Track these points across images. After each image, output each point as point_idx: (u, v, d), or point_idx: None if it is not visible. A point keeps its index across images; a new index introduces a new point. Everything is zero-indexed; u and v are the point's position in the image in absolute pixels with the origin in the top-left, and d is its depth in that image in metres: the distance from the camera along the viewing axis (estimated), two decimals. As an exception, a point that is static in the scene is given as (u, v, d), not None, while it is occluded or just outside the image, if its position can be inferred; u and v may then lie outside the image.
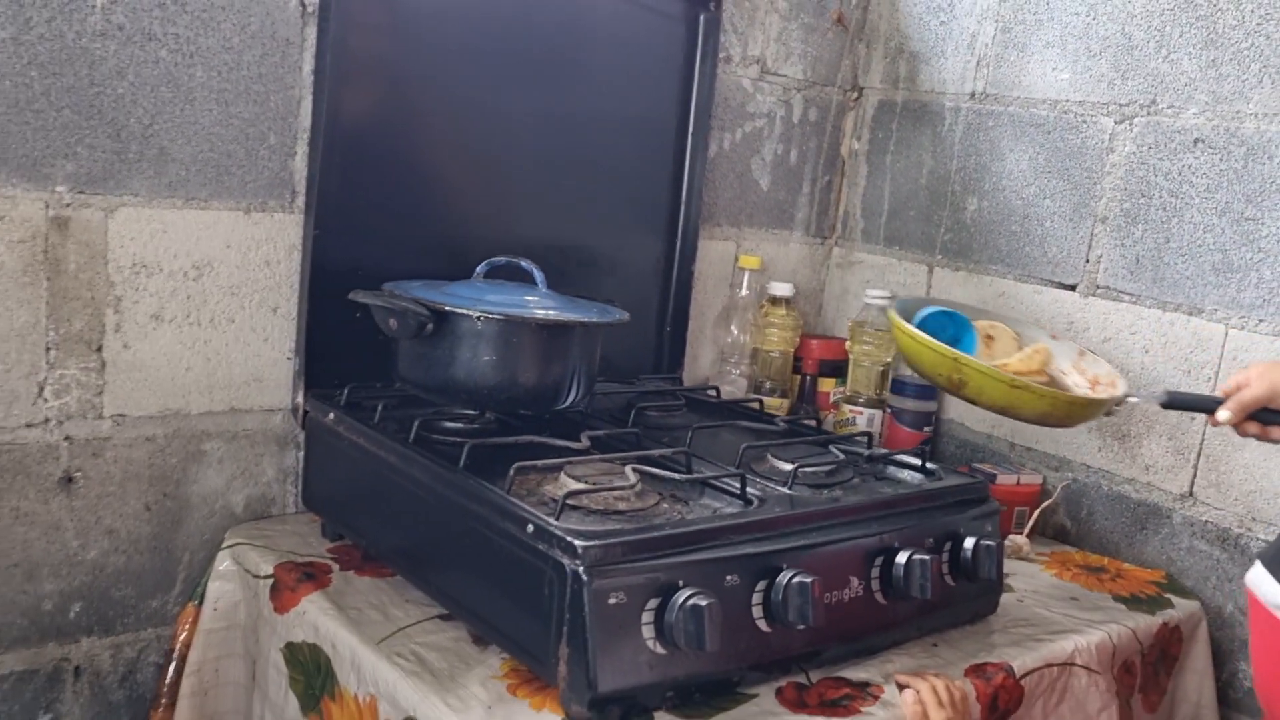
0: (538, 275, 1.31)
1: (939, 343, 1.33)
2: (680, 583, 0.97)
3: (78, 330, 1.21)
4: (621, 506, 1.08)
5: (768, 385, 1.79)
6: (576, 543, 0.94)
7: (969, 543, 1.19)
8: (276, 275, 1.34)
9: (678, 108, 1.67)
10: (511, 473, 1.06)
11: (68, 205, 1.18)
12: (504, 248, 1.39)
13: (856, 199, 1.91)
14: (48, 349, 1.19)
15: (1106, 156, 1.57)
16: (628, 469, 1.11)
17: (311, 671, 1.13)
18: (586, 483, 1.10)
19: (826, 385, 1.84)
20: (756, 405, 1.56)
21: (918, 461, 1.30)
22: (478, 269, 1.34)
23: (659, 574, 0.96)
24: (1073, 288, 1.61)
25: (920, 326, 1.37)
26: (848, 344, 1.81)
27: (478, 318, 1.20)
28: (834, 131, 1.89)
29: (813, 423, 1.48)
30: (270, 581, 1.22)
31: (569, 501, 1.02)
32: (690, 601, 0.94)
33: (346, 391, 1.32)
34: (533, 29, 1.48)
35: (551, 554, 0.96)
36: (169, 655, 1.29)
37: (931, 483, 1.27)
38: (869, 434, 1.41)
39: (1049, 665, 1.18)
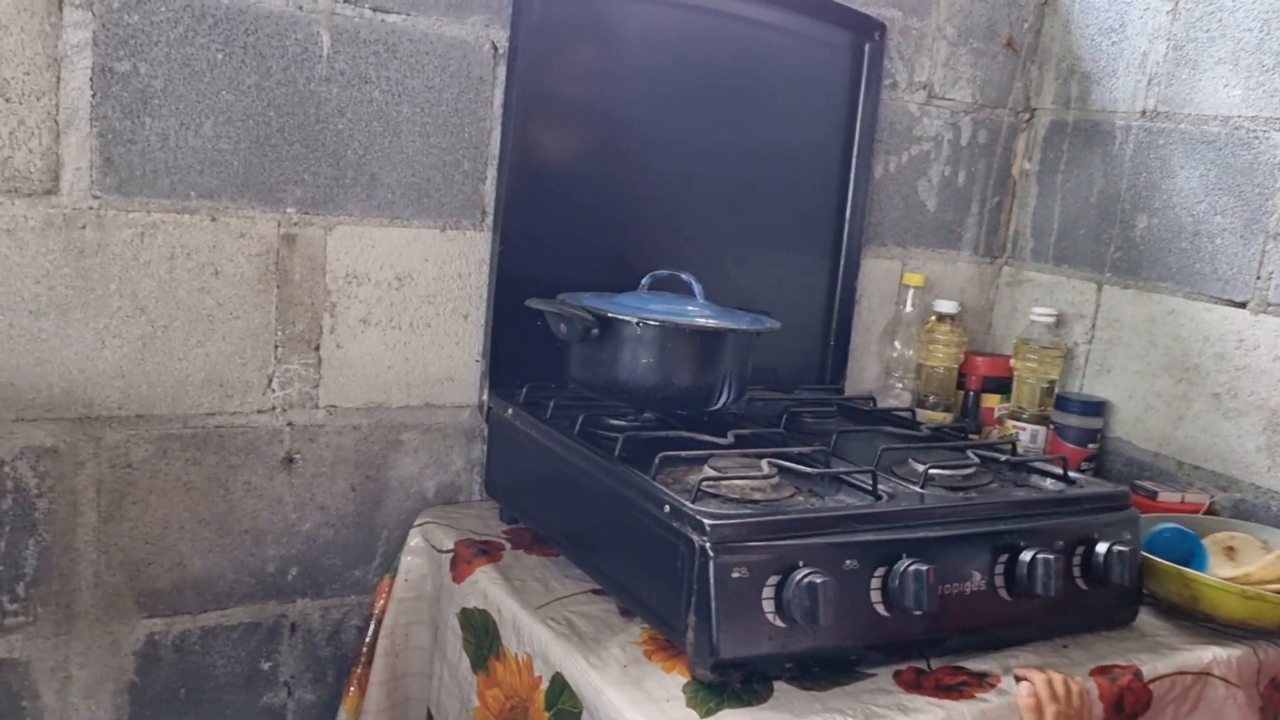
0: (696, 287, 1.43)
1: (1166, 561, 1.30)
2: (800, 562, 1.06)
3: (300, 331, 1.41)
4: (756, 496, 1.17)
5: (931, 399, 1.84)
6: (706, 522, 1.05)
7: (1102, 547, 1.22)
8: (467, 286, 1.51)
9: (843, 133, 1.75)
10: (657, 461, 1.18)
11: (295, 224, 1.39)
12: (671, 264, 1.51)
13: (1026, 218, 1.93)
14: (276, 346, 1.40)
15: (1279, 172, 1.55)
16: (763, 462, 1.21)
17: (481, 634, 1.28)
18: (726, 473, 1.20)
19: (990, 401, 1.87)
20: (908, 414, 1.62)
21: (1059, 469, 1.34)
22: (642, 281, 1.47)
23: (780, 553, 1.06)
24: (1243, 305, 1.59)
25: (1149, 545, 1.34)
26: (1013, 360, 1.84)
27: (637, 323, 1.32)
28: (1004, 153, 1.92)
29: (959, 430, 1.53)
30: (451, 555, 1.38)
31: (705, 488, 1.13)
32: (806, 579, 1.03)
33: (525, 390, 1.48)
34: (706, 63, 1.61)
35: (684, 531, 1.07)
36: (368, 619, 1.47)
37: (1070, 490, 1.30)
38: (1013, 440, 1.45)
39: (1182, 673, 1.20)
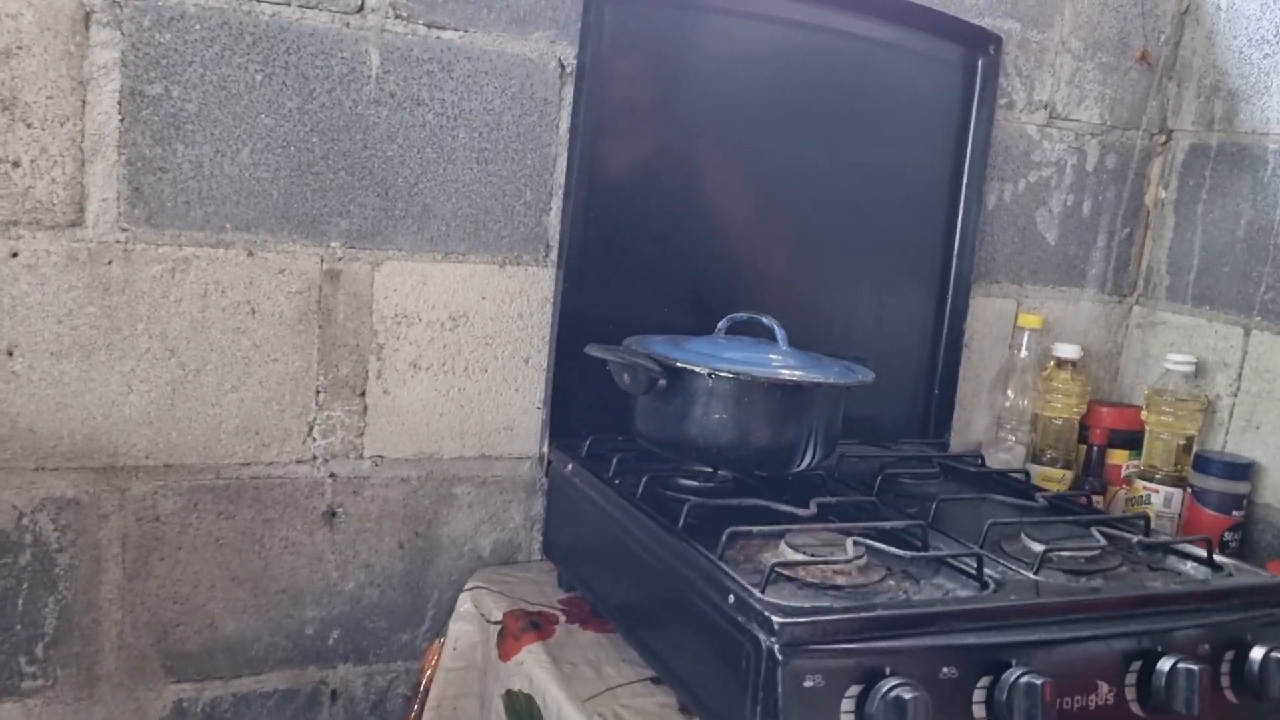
0: (779, 332, 1.27)
1: None
2: (887, 670, 0.89)
3: (344, 375, 1.30)
4: (840, 581, 1.01)
5: (1048, 455, 1.64)
6: (774, 618, 0.89)
7: (1257, 653, 1.02)
8: (529, 327, 1.38)
9: (951, 158, 1.58)
10: (724, 538, 1.03)
11: (340, 259, 1.27)
12: (755, 303, 1.36)
13: (1162, 253, 1.72)
14: (317, 392, 1.29)
15: None
16: (849, 541, 1.04)
17: (526, 721, 1.14)
18: (805, 553, 1.04)
19: (1118, 458, 1.66)
20: (1021, 476, 1.43)
21: (1203, 552, 1.14)
22: (719, 325, 1.32)
23: (863, 659, 0.89)
24: None
25: None
26: (1144, 413, 1.63)
27: (709, 375, 1.17)
28: (1136, 179, 1.72)
29: (1082, 500, 1.34)
30: (499, 628, 1.24)
31: (779, 571, 0.97)
32: (894, 693, 0.87)
33: (588, 443, 1.34)
34: (797, 82, 1.45)
35: (749, 628, 0.91)
36: (416, 688, 1.34)
37: (1217, 579, 1.10)
38: (1145, 516, 1.25)
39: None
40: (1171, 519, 1.58)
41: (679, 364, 1.18)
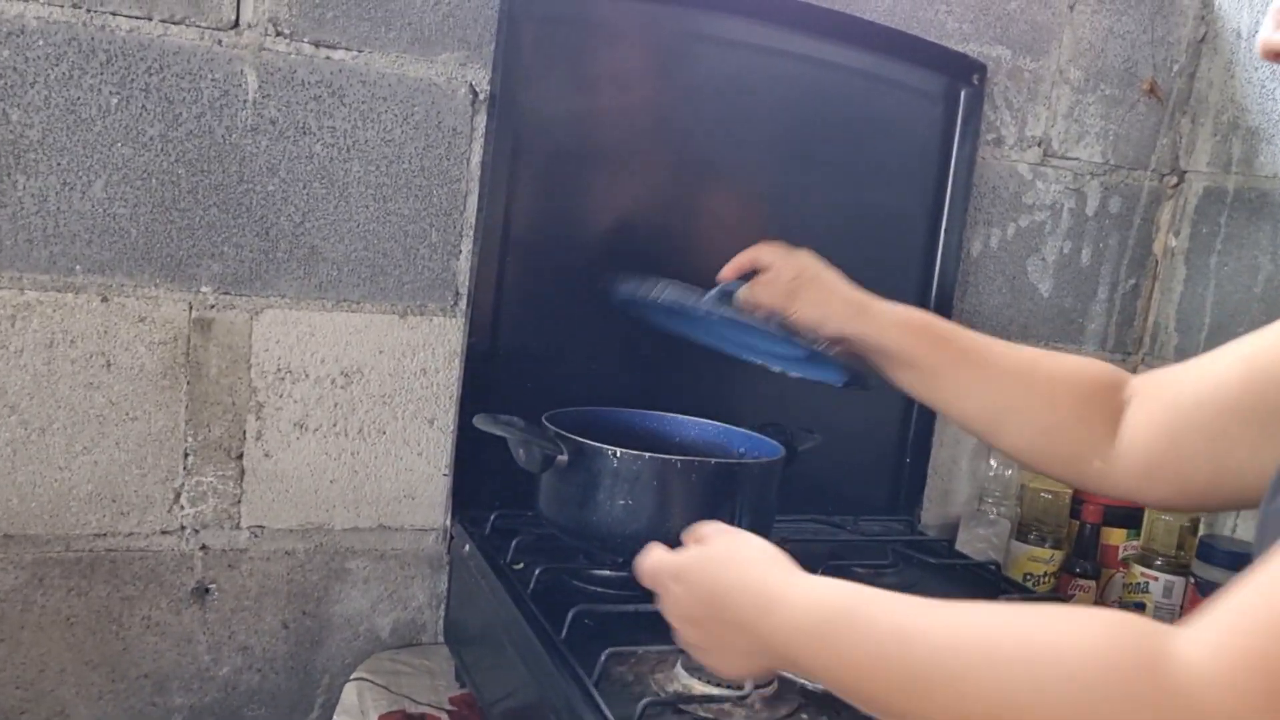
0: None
1: None
2: None
3: (217, 437, 1.15)
4: (740, 716, 0.84)
5: (1034, 533, 1.46)
6: (635, 780, 0.73)
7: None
8: (434, 384, 1.23)
9: (931, 199, 1.40)
10: (603, 658, 0.86)
11: (212, 306, 1.13)
12: (695, 366, 1.20)
13: (1170, 308, 1.54)
14: (185, 455, 1.14)
15: None
16: (751, 670, 0.87)
17: None
18: (703, 678, 0.87)
19: (1114, 538, 1.48)
20: (994, 567, 1.25)
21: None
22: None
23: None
24: None
25: None
26: (1147, 490, 1.45)
27: (613, 455, 1.01)
28: (1144, 225, 1.54)
29: (1071, 594, 1.15)
30: (371, 734, 1.09)
31: (649, 714, 0.81)
32: None
33: (493, 518, 1.18)
34: (752, 111, 1.29)
35: (610, 785, 0.75)
36: (299, 786, 1.19)
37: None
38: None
39: None
40: (1171, 611, 1.40)
41: (576, 439, 1.02)
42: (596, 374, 1.26)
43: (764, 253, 1.02)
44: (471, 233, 1.21)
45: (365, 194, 1.16)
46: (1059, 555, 1.46)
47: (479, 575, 1.10)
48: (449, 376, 1.23)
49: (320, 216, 1.15)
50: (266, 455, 1.17)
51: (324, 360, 1.18)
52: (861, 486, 1.42)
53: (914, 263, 1.41)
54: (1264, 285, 1.40)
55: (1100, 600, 1.46)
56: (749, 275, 1.03)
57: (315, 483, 1.20)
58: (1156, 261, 1.55)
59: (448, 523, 1.23)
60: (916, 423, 1.43)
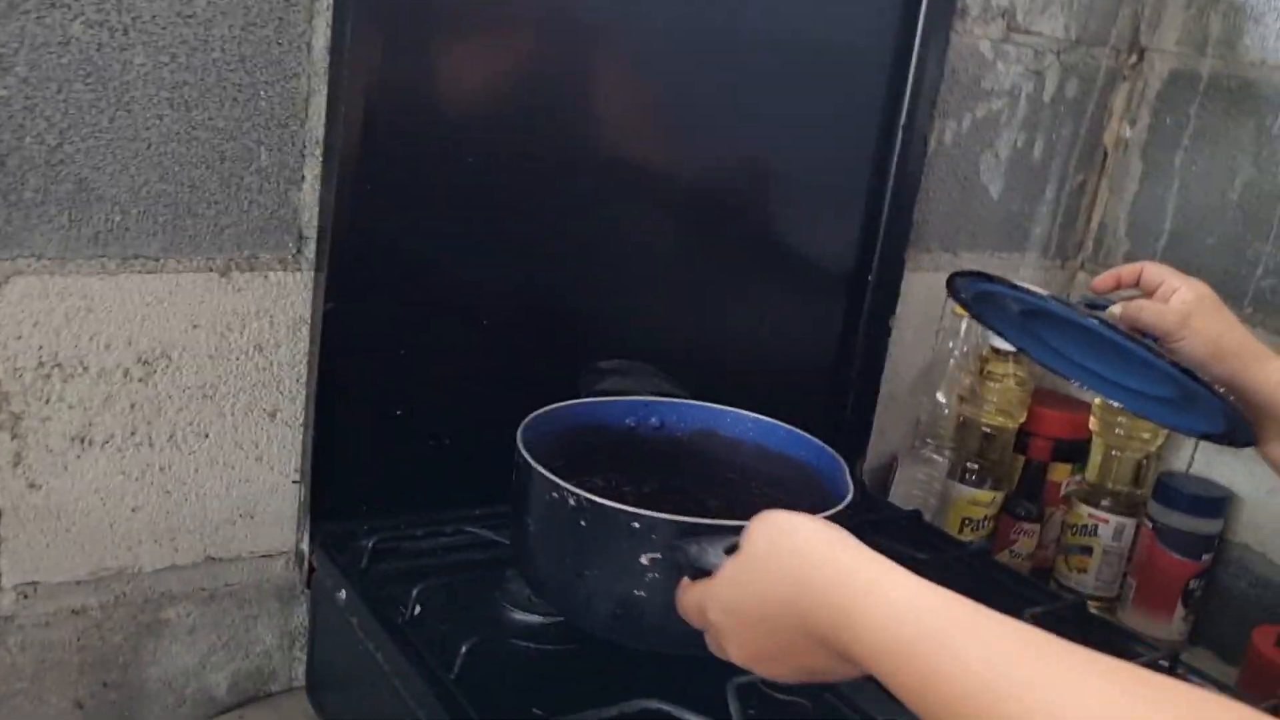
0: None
1: None
2: None
3: (-50, 469, 0.77)
4: None
5: (974, 473, 1.27)
6: None
7: None
8: (274, 364, 0.88)
9: (886, 91, 1.13)
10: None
11: (-78, 279, 0.73)
12: (614, 312, 0.92)
13: (1121, 209, 1.35)
14: (-98, 500, 0.76)
15: None
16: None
17: None
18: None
19: (1059, 473, 1.32)
20: (915, 516, 1.08)
21: None
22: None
23: None
24: None
25: None
26: (1093, 420, 1.29)
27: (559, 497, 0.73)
28: (1096, 113, 1.32)
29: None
30: None
31: None
32: None
33: (369, 543, 0.87)
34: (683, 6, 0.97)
35: None
36: None
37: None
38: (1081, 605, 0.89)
39: None
40: (1120, 556, 1.26)
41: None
42: (493, 341, 0.95)
43: (1153, 270, 0.88)
44: (319, 151, 0.84)
45: (156, 98, 0.77)
46: (1000, 497, 1.29)
47: (365, 635, 0.80)
48: (295, 352, 0.88)
49: (88, 134, 0.76)
50: (32, 486, 0.81)
51: (110, 345, 0.81)
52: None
53: (864, 170, 1.14)
54: (1242, 191, 1.23)
55: (1041, 545, 1.31)
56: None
57: (110, 514, 0.84)
58: (1106, 154, 1.35)
59: (302, 544, 0.91)
60: (861, 364, 1.19)
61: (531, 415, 0.78)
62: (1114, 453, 1.26)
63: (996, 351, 1.27)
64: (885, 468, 1.30)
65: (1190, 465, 1.28)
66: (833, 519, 0.59)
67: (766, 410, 0.90)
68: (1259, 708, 0.40)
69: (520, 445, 0.75)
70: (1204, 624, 1.24)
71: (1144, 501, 1.26)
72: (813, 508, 0.78)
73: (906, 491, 1.28)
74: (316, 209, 0.85)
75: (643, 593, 0.69)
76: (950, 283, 0.90)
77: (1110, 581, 1.27)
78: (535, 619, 0.83)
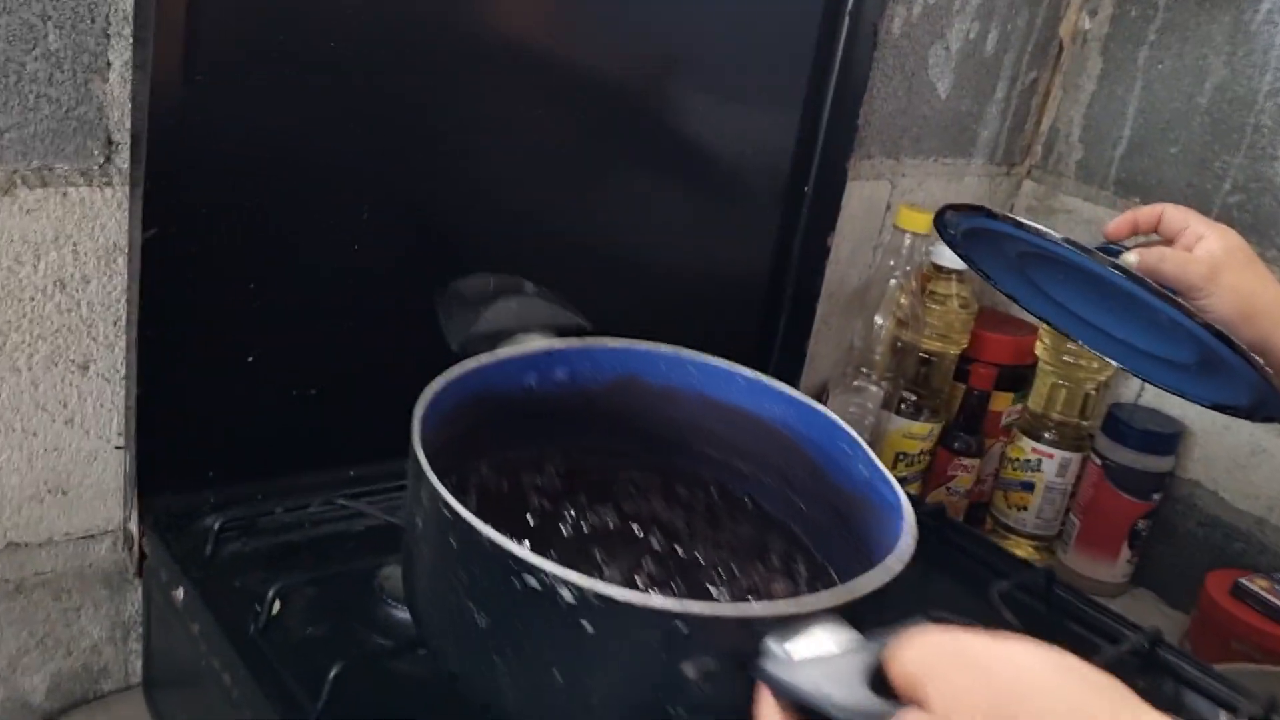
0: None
1: None
2: None
3: None
4: None
5: (905, 403, 1.15)
6: None
7: None
8: (83, 304, 0.69)
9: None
10: None
11: None
12: (505, 230, 0.76)
13: (1075, 111, 1.22)
14: None
15: None
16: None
17: None
18: None
19: (1000, 402, 1.21)
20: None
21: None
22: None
23: None
24: None
25: None
26: (1040, 345, 1.18)
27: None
28: (1054, 1, 1.18)
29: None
30: None
31: None
32: None
33: (217, 528, 0.71)
34: None
35: None
36: None
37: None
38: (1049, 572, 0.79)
39: None
40: (1063, 493, 1.17)
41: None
42: (367, 244, 0.78)
43: (1175, 214, 0.74)
44: (129, 29, 0.65)
45: (-109, -47, 0.57)
46: (937, 429, 1.18)
47: (207, 647, 0.64)
48: (109, 289, 0.70)
49: None
50: None
51: None
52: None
53: (804, 64, 0.98)
54: (1211, 95, 1.10)
55: (979, 481, 1.21)
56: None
57: None
58: (1062, 48, 1.21)
59: (130, 523, 0.74)
60: (796, 281, 1.05)
61: (421, 407, 0.57)
62: (1061, 382, 1.16)
63: (939, 269, 1.14)
64: (814, 397, 1.17)
65: (1140, 395, 1.18)
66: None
67: (689, 341, 0.75)
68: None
69: (430, 481, 0.51)
70: (1147, 564, 1.16)
71: (1090, 435, 1.17)
72: (838, 516, 0.64)
73: (837, 423, 1.16)
74: (128, 105, 0.66)
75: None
76: (940, 217, 0.75)
77: (1051, 520, 1.18)
78: (421, 617, 0.68)
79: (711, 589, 0.59)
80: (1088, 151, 1.21)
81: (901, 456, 1.16)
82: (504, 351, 0.65)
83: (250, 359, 0.76)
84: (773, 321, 1.06)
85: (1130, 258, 0.70)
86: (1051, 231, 0.68)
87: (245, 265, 0.72)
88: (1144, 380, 0.77)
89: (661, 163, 0.94)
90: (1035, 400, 1.19)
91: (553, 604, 0.45)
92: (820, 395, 1.16)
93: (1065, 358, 1.14)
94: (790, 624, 0.45)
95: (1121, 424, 1.12)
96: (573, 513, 0.62)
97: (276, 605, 0.67)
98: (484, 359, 0.63)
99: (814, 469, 0.64)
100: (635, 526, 0.63)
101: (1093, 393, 1.16)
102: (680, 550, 0.62)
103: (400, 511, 0.58)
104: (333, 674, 0.59)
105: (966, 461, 1.18)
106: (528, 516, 0.62)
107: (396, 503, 0.75)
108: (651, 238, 0.95)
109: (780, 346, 1.07)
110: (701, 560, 0.61)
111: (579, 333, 0.72)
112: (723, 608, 0.50)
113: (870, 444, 1.12)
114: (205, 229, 0.70)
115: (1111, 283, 0.67)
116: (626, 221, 0.93)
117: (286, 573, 0.70)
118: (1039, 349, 1.18)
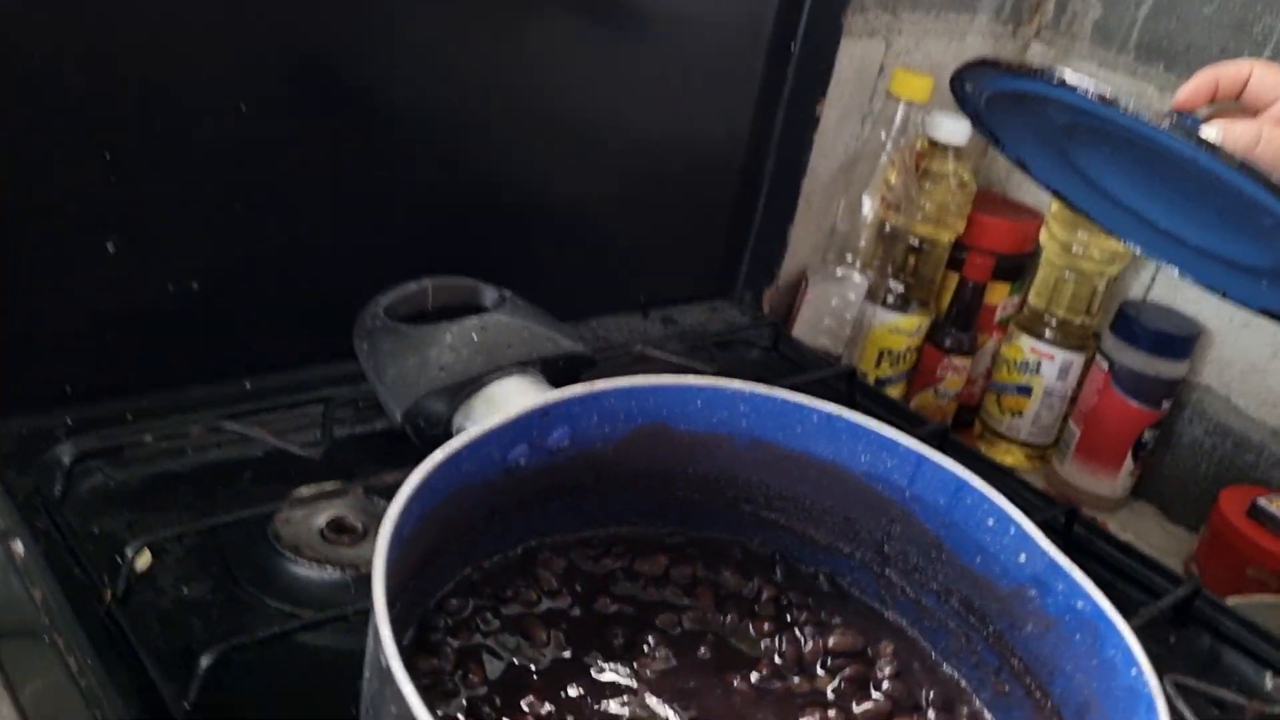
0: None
1: None
2: None
3: None
4: None
5: (892, 294, 1.03)
6: None
7: None
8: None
9: None
10: None
11: None
12: (418, 92, 0.60)
13: (1095, -37, 1.07)
14: None
15: None
16: None
17: None
18: None
19: (995, 294, 1.09)
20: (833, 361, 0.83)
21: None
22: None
23: None
24: None
25: None
26: (1045, 232, 1.05)
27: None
28: None
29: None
30: None
31: None
32: None
33: (71, 457, 0.57)
34: None
35: None
36: None
37: None
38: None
39: None
40: (1062, 398, 1.06)
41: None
42: (259, 103, 0.62)
43: (1270, 78, 0.57)
44: None
45: None
46: (926, 324, 1.06)
47: (49, 619, 0.51)
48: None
49: None
50: None
51: None
52: (692, 267, 0.91)
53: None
54: (1261, -57, 0.95)
55: (969, 383, 1.09)
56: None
57: None
58: (1086, -114, 1.05)
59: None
60: (779, 155, 0.90)
61: (382, 547, 0.37)
62: (1066, 274, 1.04)
63: (935, 145, 1.00)
64: (792, 288, 1.04)
65: (1149, 290, 1.06)
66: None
67: (657, 220, 0.61)
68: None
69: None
70: (1147, 475, 1.06)
71: (1096, 335, 1.05)
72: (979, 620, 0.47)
73: (815, 318, 1.03)
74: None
75: None
76: (958, 79, 0.60)
77: (1048, 427, 1.07)
78: (333, 576, 0.55)
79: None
80: (1106, 10, 1.06)
81: (886, 354, 1.04)
82: (480, 428, 0.44)
83: (110, 247, 0.60)
84: (751, 200, 0.92)
85: (1208, 131, 0.56)
86: (1121, 95, 0.53)
87: (92, 126, 0.56)
88: (1201, 284, 0.64)
89: (624, 14, 0.78)
90: (1036, 294, 1.06)
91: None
92: (797, 285, 1.03)
93: (1074, 247, 1.02)
94: None
95: (1133, 323, 1.00)
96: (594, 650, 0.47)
97: (143, 561, 0.53)
98: (455, 445, 0.43)
99: (936, 547, 0.49)
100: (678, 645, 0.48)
101: (1101, 288, 1.04)
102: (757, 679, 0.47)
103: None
104: (204, 664, 0.46)
105: (957, 361, 1.06)
106: (530, 667, 0.46)
107: (300, 424, 0.61)
108: (614, 103, 0.79)
109: (759, 230, 0.92)
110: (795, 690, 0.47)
111: (577, 364, 0.54)
112: None
113: (851, 340, 1.00)
114: (44, 78, 0.53)
115: (1190, 165, 0.53)
116: (583, 84, 0.77)
117: (158, 516, 0.56)
118: (1043, 236, 1.05)
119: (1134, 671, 0.38)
